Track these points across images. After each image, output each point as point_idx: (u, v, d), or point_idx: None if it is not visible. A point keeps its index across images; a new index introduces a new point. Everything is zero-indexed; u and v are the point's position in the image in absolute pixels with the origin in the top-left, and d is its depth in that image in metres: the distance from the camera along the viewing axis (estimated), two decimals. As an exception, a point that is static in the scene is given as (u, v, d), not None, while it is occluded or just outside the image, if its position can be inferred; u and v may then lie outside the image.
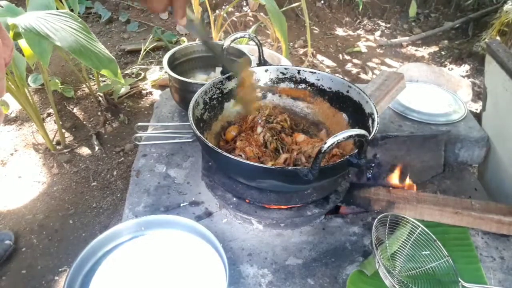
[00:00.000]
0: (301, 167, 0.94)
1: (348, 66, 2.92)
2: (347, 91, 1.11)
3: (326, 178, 0.94)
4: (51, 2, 1.64)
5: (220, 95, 1.14)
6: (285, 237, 1.05)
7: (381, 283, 0.89)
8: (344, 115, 1.13)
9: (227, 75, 1.14)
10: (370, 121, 0.99)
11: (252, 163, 0.87)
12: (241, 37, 1.19)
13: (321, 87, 1.17)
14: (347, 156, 0.85)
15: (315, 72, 1.17)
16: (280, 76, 1.20)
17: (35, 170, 1.97)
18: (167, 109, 1.51)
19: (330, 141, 0.76)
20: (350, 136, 0.77)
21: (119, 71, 1.54)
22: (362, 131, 0.78)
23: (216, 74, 1.54)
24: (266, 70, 1.20)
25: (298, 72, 1.19)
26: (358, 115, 1.07)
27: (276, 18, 1.99)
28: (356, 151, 0.84)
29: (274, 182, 0.90)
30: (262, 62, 1.21)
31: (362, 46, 3.14)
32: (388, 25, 3.44)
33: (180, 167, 1.26)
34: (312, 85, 1.18)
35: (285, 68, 1.19)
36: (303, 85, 1.19)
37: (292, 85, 1.20)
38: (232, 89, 1.15)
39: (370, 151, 1.27)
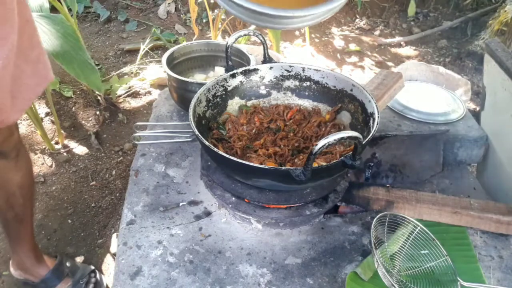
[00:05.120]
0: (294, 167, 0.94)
1: (346, 66, 2.92)
2: (351, 90, 1.11)
3: (320, 178, 0.94)
4: (45, 2, 1.64)
5: (224, 92, 1.14)
6: (284, 236, 1.05)
7: (380, 282, 0.89)
8: (348, 114, 1.13)
9: (231, 72, 1.13)
10: (371, 121, 1.00)
11: (246, 162, 0.87)
12: (245, 35, 1.18)
13: (325, 85, 1.17)
14: (342, 157, 0.85)
15: (319, 70, 1.17)
16: (285, 73, 1.20)
17: (33, 170, 1.96)
18: (166, 109, 1.51)
19: (321, 143, 0.76)
20: (342, 138, 0.77)
21: (100, 82, 1.53)
22: (355, 133, 0.78)
23: (215, 74, 1.54)
24: (271, 68, 1.19)
25: (303, 70, 1.19)
26: (360, 114, 1.07)
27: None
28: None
29: (268, 181, 0.90)
30: (267, 59, 1.21)
31: (360, 45, 3.14)
32: (387, 25, 3.44)
33: (179, 166, 1.26)
34: (316, 82, 1.18)
35: (290, 66, 1.19)
36: (308, 83, 1.19)
37: (297, 83, 1.20)
38: (236, 86, 1.14)
39: (369, 151, 1.27)
